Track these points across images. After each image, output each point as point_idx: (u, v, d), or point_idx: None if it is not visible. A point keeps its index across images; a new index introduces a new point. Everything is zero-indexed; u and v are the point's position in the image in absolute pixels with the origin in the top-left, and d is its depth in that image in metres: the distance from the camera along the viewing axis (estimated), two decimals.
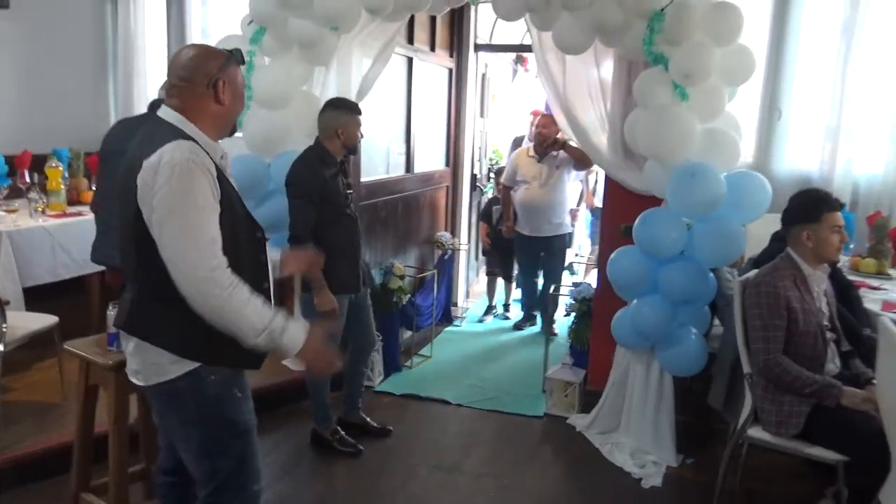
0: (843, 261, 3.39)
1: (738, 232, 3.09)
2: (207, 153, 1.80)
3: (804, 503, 2.83)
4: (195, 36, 4.94)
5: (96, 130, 4.90)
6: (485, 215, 5.85)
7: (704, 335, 3.35)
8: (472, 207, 6.10)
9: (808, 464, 2.79)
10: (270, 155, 3.66)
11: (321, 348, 1.90)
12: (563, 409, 3.89)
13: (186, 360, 1.84)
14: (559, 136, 4.87)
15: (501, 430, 3.77)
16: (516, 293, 5.87)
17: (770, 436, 2.60)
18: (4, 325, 3.09)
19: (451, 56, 5.53)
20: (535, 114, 5.97)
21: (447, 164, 5.73)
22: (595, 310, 3.86)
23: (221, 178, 1.82)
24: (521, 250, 5.35)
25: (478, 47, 5.77)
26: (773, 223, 2.94)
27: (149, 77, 5.05)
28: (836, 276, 2.89)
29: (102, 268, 3.69)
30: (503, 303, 5.88)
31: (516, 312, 5.76)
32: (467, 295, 6.08)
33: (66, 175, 4.39)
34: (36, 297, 3.73)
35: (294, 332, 1.83)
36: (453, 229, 5.77)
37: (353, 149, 3.29)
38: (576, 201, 5.88)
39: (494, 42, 6.44)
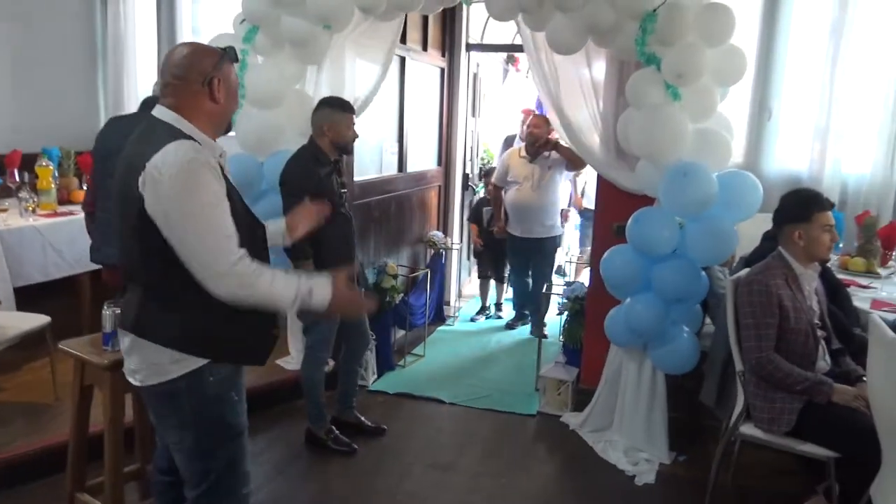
0: (833, 260, 3.43)
1: (729, 231, 3.12)
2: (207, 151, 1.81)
3: (795, 499, 2.86)
4: (186, 34, 4.92)
5: (86, 129, 4.89)
6: (474, 216, 5.83)
7: (696, 333, 3.37)
8: (464, 207, 6.11)
9: (800, 460, 2.83)
10: (263, 154, 3.65)
11: (348, 294, 1.94)
12: (557, 407, 3.91)
13: (187, 360, 1.84)
14: (551, 136, 4.87)
15: (495, 428, 3.79)
16: (508, 293, 5.88)
17: (762, 433, 2.63)
18: None
19: (443, 56, 5.54)
20: (525, 113, 5.99)
21: (439, 164, 5.74)
22: (588, 308, 3.88)
23: (223, 175, 1.83)
24: (512, 251, 5.35)
25: (469, 47, 5.78)
26: (764, 223, 2.97)
27: (139, 76, 5.02)
28: (826, 275, 2.92)
29: (94, 268, 3.67)
30: (495, 302, 5.90)
31: (508, 312, 5.77)
32: (459, 294, 6.09)
33: (56, 174, 4.36)
34: (26, 298, 3.71)
35: (320, 289, 1.87)
36: (445, 229, 5.78)
37: (342, 147, 3.24)
38: (566, 202, 5.89)
39: (486, 42, 6.45)
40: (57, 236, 3.91)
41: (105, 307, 2.37)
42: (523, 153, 5.07)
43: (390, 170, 4.96)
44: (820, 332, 2.69)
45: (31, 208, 3.96)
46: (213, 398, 1.89)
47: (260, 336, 1.97)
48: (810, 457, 2.55)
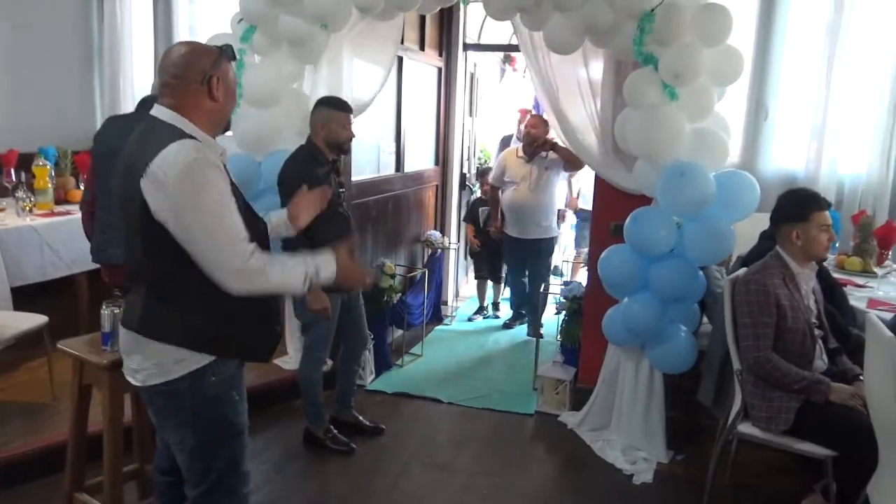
0: (829, 259, 3.44)
1: (727, 231, 3.13)
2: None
3: (793, 498, 2.87)
4: (182, 33, 4.91)
5: (82, 129, 4.89)
6: (470, 216, 5.80)
7: (693, 333, 3.38)
8: (461, 207, 6.11)
9: (797, 459, 2.84)
10: (261, 154, 3.65)
11: (351, 266, 2.00)
12: (554, 406, 3.91)
13: (190, 360, 1.84)
14: (549, 136, 4.86)
15: (493, 427, 3.79)
16: (505, 292, 5.88)
17: (760, 431, 2.64)
18: None
19: (441, 55, 5.54)
20: (522, 112, 6.00)
21: (436, 164, 5.74)
22: (586, 308, 3.89)
23: (226, 173, 1.83)
24: (508, 252, 5.33)
25: (467, 46, 5.78)
26: (762, 222, 2.98)
27: (135, 75, 5.01)
28: (822, 275, 2.93)
29: (91, 267, 3.66)
30: (492, 301, 5.89)
31: (505, 311, 5.77)
32: (457, 294, 6.09)
33: (53, 174, 4.35)
34: (23, 297, 3.69)
35: (326, 266, 1.93)
36: (443, 228, 5.78)
37: (337, 146, 3.21)
38: (563, 202, 5.88)
39: (483, 42, 6.45)
40: (54, 236, 3.90)
41: (104, 307, 2.37)
42: (521, 153, 5.04)
43: (388, 169, 4.96)
44: (817, 332, 2.70)
45: (28, 208, 3.95)
46: (215, 398, 1.90)
47: (264, 332, 1.99)
48: (808, 455, 2.57)
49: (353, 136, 3.27)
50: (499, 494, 3.13)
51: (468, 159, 6.31)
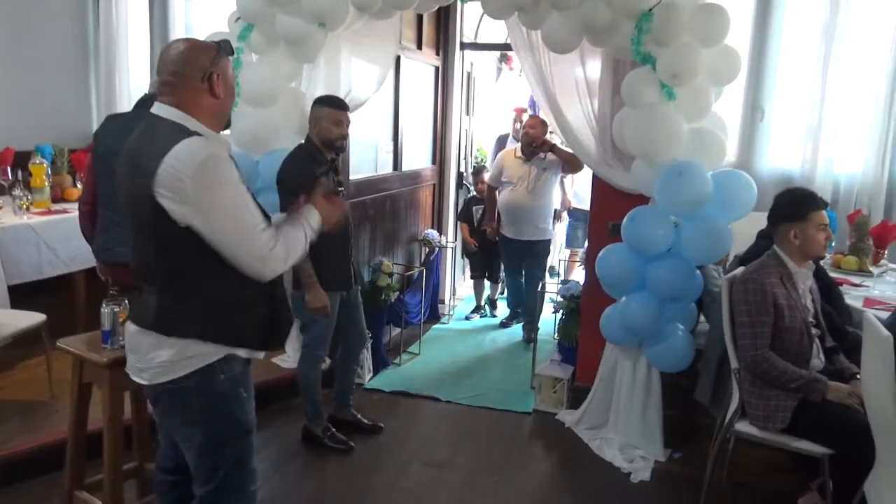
0: (825, 258, 3.46)
1: (724, 230, 3.14)
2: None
3: (790, 496, 2.89)
4: (178, 31, 4.90)
5: (79, 127, 4.90)
6: (465, 215, 5.76)
7: (691, 331, 3.40)
8: (459, 205, 6.11)
9: (794, 457, 2.85)
10: (259, 152, 3.65)
11: (329, 208, 2.06)
12: (552, 405, 3.93)
13: (202, 355, 1.84)
14: (547, 137, 4.83)
15: (491, 426, 3.80)
16: (502, 290, 5.88)
17: (757, 430, 2.65)
18: None
19: (438, 54, 5.54)
20: (517, 111, 5.99)
21: (433, 163, 5.75)
22: (583, 307, 3.90)
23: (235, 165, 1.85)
24: (504, 252, 5.30)
25: (464, 45, 5.79)
26: (759, 221, 3.00)
27: (131, 74, 4.99)
28: (819, 274, 2.95)
29: (89, 266, 3.65)
30: (489, 298, 5.87)
31: (502, 309, 5.77)
32: (454, 293, 6.09)
33: (50, 172, 4.34)
34: (20, 296, 3.68)
35: (313, 217, 2.00)
36: (440, 227, 5.79)
37: (329, 143, 3.19)
38: (558, 203, 5.86)
39: (480, 40, 6.46)
40: (51, 234, 3.89)
41: (103, 305, 2.36)
42: (519, 153, 5.00)
43: (385, 168, 4.97)
44: (814, 330, 2.72)
45: (24, 206, 3.94)
46: (223, 396, 1.90)
47: (277, 319, 1.99)
48: (805, 454, 2.58)
49: (346, 133, 3.23)
50: (497, 493, 3.14)
51: (465, 158, 6.31)
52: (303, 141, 3.32)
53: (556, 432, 3.71)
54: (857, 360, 2.41)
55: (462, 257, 6.14)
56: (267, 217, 2.00)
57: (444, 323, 5.56)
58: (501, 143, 6.04)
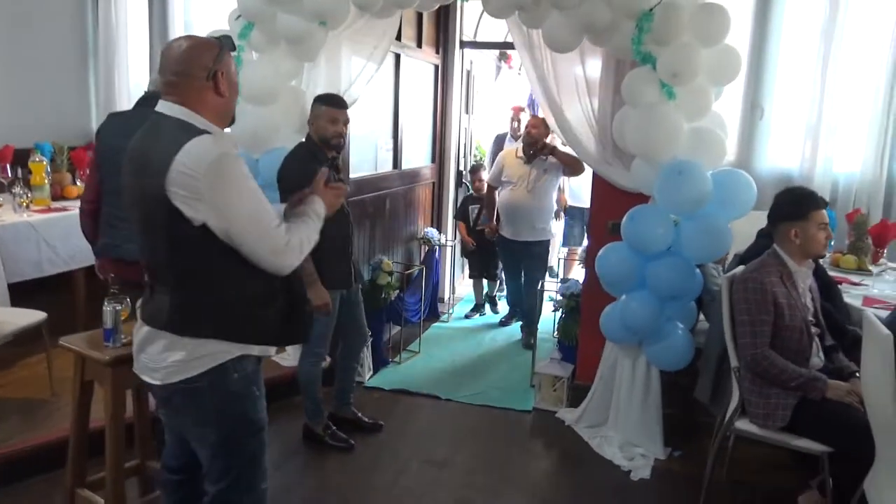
0: (824, 257, 3.47)
1: (724, 229, 3.15)
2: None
3: (790, 494, 2.90)
4: (178, 29, 4.89)
5: (78, 125, 4.90)
6: (461, 214, 5.70)
7: (690, 330, 3.41)
8: (458, 204, 6.11)
9: (794, 455, 2.86)
10: (259, 151, 3.65)
11: (329, 193, 2.09)
12: (552, 403, 3.93)
13: (211, 356, 1.84)
14: (548, 140, 4.78)
15: (491, 424, 3.81)
16: (502, 290, 5.87)
17: (757, 428, 2.66)
18: None
19: (438, 52, 5.55)
20: (515, 110, 5.98)
21: (433, 161, 5.76)
22: (583, 305, 3.90)
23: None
24: (502, 252, 5.26)
25: (463, 44, 5.79)
26: (758, 220, 3.01)
27: (131, 71, 4.99)
28: (819, 273, 2.96)
29: (88, 264, 3.65)
30: (488, 295, 5.85)
31: (502, 306, 5.76)
32: (453, 291, 6.10)
33: (49, 170, 4.34)
34: (19, 294, 3.68)
35: (318, 206, 2.03)
36: (439, 226, 5.79)
37: (325, 141, 3.18)
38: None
39: (479, 39, 6.46)
40: (51, 232, 3.89)
41: (105, 303, 2.36)
42: (520, 153, 4.94)
43: (385, 167, 4.97)
44: (814, 329, 2.72)
45: (24, 204, 3.94)
46: (236, 395, 1.90)
47: (296, 314, 1.98)
48: (804, 452, 2.59)
49: (342, 131, 3.20)
50: (497, 491, 3.15)
51: (464, 157, 6.31)
52: (303, 139, 3.33)
53: (556, 430, 3.71)
54: (857, 359, 2.42)
55: (462, 256, 6.14)
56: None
57: (444, 321, 5.57)
58: (499, 142, 6.02)
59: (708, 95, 3.15)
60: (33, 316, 3.37)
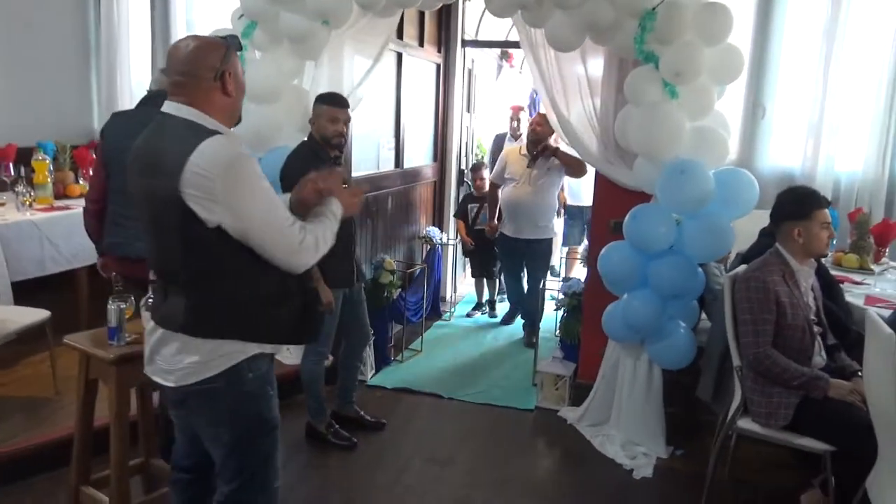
0: (826, 256, 3.47)
1: (726, 228, 3.16)
2: None
3: (792, 493, 2.90)
4: (179, 27, 4.89)
5: (80, 124, 4.91)
6: (461, 212, 5.68)
7: (692, 329, 3.41)
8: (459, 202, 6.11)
9: (796, 454, 2.86)
10: (261, 150, 3.64)
11: (347, 194, 2.07)
12: (554, 401, 3.94)
13: (226, 357, 1.83)
14: (551, 142, 4.75)
15: (493, 423, 3.81)
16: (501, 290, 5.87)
17: (759, 427, 2.66)
18: None
19: (439, 51, 5.55)
20: (514, 109, 5.98)
21: (435, 160, 5.76)
22: (585, 304, 3.91)
23: None
24: (503, 252, 5.22)
25: (465, 43, 5.79)
26: (761, 219, 3.01)
27: (133, 70, 4.99)
28: (821, 272, 2.96)
29: (91, 262, 3.65)
30: (488, 299, 5.83)
31: (501, 309, 5.75)
32: (455, 290, 6.10)
33: (52, 168, 4.35)
34: (22, 292, 3.69)
35: (335, 207, 1.99)
36: (441, 224, 5.80)
37: (326, 140, 3.17)
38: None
39: (481, 38, 6.46)
40: (54, 230, 3.90)
41: (110, 302, 2.37)
42: (524, 151, 4.93)
43: (387, 165, 4.97)
44: (816, 328, 2.73)
45: (27, 202, 3.95)
46: (251, 395, 1.90)
47: (309, 312, 1.98)
48: (807, 451, 2.60)
49: (343, 131, 3.19)
50: (499, 489, 3.15)
51: (466, 155, 6.31)
52: (305, 138, 3.33)
53: (558, 429, 3.72)
54: (859, 358, 2.42)
55: (463, 255, 6.14)
56: None
57: (446, 320, 5.57)
58: (499, 142, 6.00)
59: (710, 94, 3.16)
60: (36, 314, 3.38)
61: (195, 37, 1.89)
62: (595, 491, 3.19)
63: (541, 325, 4.66)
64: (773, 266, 2.71)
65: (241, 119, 1.98)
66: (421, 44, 5.16)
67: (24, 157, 4.24)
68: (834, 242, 3.49)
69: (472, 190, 5.69)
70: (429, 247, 5.45)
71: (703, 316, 3.49)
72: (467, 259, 6.03)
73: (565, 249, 6.33)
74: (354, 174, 4.31)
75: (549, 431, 3.72)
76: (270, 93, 3.55)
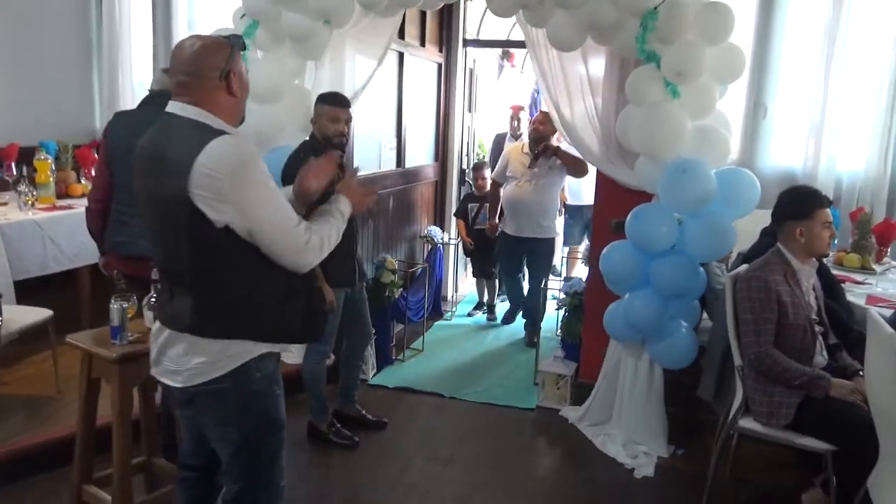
0: (828, 256, 3.47)
1: (728, 228, 3.16)
2: None
3: (793, 492, 2.91)
4: (181, 27, 4.89)
5: (82, 123, 4.91)
6: (461, 211, 5.66)
7: (694, 328, 3.41)
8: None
9: (797, 453, 2.87)
10: (263, 150, 3.63)
11: (358, 192, 2.09)
12: (556, 401, 3.94)
13: (234, 357, 1.83)
14: (553, 140, 4.76)
15: (495, 422, 3.82)
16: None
17: (761, 426, 2.67)
18: (0, 319, 3.06)
19: (441, 51, 5.55)
20: (514, 109, 5.98)
21: (436, 159, 5.76)
22: (587, 303, 3.91)
23: None
24: (503, 250, 5.17)
25: (466, 42, 5.79)
26: (762, 219, 3.01)
27: (134, 69, 4.99)
28: (822, 272, 2.97)
29: (94, 261, 3.66)
30: (488, 303, 5.75)
31: (501, 311, 5.73)
32: (456, 289, 6.10)
33: (54, 168, 4.35)
34: (25, 291, 3.69)
35: (343, 206, 2.02)
36: (442, 224, 5.80)
37: (327, 140, 3.16)
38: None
39: (482, 37, 6.46)
40: (56, 230, 3.91)
41: (112, 301, 2.37)
42: (526, 149, 4.91)
43: (389, 165, 4.97)
44: (818, 328, 2.73)
45: (30, 202, 3.96)
46: (259, 394, 1.90)
47: (314, 311, 1.98)
48: (808, 450, 2.60)
49: (343, 130, 3.19)
50: (500, 488, 3.16)
51: (467, 155, 6.31)
52: (307, 138, 3.34)
53: (560, 428, 3.72)
54: (860, 358, 2.42)
55: (464, 254, 6.13)
56: None
57: (447, 320, 5.57)
58: (499, 141, 6.01)
59: (712, 94, 3.16)
60: (39, 313, 3.39)
61: (200, 37, 1.89)
62: (596, 490, 3.19)
63: (542, 324, 4.65)
64: (775, 265, 2.71)
65: (244, 119, 1.98)
66: (422, 43, 5.16)
67: (26, 156, 4.25)
68: (835, 242, 3.50)
69: (474, 190, 5.67)
70: (430, 246, 5.45)
71: (705, 315, 3.50)
72: (469, 259, 6.02)
73: (566, 249, 6.33)
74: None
75: (550, 431, 3.72)
76: (272, 92, 3.55)
